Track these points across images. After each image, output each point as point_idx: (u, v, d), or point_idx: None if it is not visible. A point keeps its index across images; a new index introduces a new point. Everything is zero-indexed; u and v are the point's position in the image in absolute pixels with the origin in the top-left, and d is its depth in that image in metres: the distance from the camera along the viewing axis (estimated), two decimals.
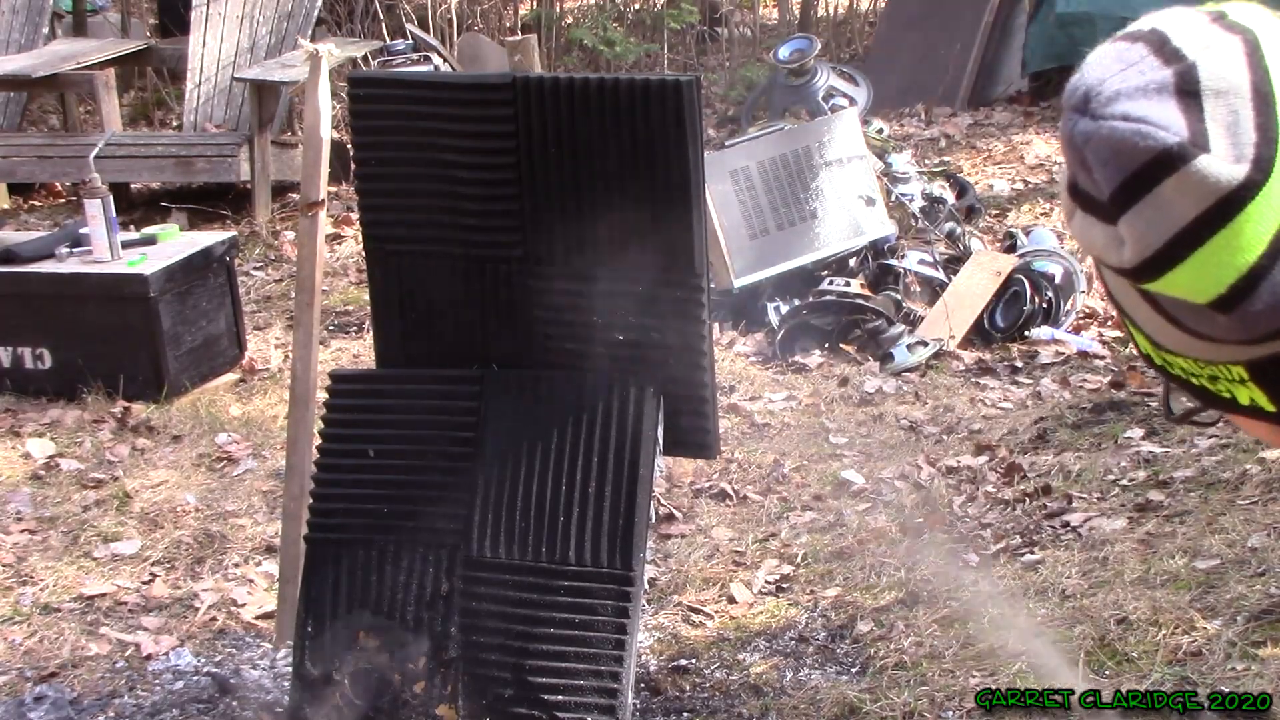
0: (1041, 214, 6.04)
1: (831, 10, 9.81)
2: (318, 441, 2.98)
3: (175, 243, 5.00)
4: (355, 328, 5.45)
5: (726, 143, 5.84)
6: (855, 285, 5.12)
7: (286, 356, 4.94)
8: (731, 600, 3.39)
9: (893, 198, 5.53)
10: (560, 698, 2.68)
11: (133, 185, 7.30)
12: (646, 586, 3.05)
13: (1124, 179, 0.88)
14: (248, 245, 6.40)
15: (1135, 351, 1.07)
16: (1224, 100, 0.88)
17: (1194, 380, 1.00)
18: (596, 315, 2.80)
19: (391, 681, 2.77)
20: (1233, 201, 0.87)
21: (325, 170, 3.08)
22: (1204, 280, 0.90)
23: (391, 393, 2.96)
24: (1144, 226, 0.89)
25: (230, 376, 5.01)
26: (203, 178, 6.94)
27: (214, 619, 3.42)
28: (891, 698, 2.88)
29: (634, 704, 2.82)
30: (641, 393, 2.76)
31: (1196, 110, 0.88)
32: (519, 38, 3.60)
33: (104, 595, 3.54)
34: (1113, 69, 0.91)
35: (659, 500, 3.74)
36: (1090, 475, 3.75)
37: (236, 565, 3.68)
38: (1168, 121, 0.87)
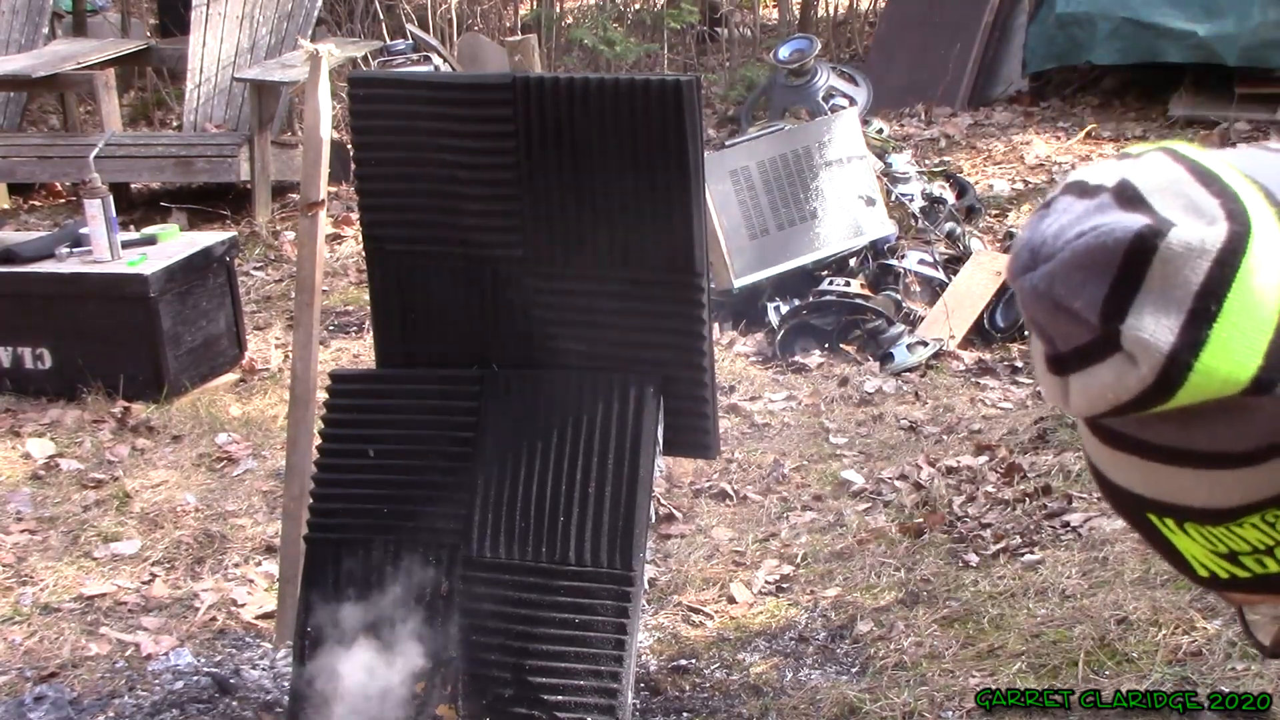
0: None
1: (831, 10, 9.81)
2: (318, 441, 2.98)
3: (175, 243, 5.00)
4: (355, 328, 5.45)
5: (726, 143, 5.84)
6: (855, 285, 5.12)
7: (286, 356, 4.94)
8: (731, 600, 3.39)
9: (893, 198, 5.53)
10: (560, 698, 2.69)
11: (133, 185, 7.30)
12: (646, 586, 3.05)
13: (1108, 288, 0.81)
14: (248, 245, 6.40)
15: (1194, 581, 0.94)
16: (1168, 192, 0.83)
17: (1261, 568, 0.89)
18: (596, 315, 2.80)
19: (391, 681, 2.77)
20: (1228, 258, 0.81)
21: (325, 170, 3.08)
22: (1236, 354, 0.81)
23: (391, 393, 2.96)
24: (1150, 326, 0.81)
25: (230, 376, 5.01)
26: (203, 178, 6.94)
27: (214, 619, 3.42)
28: (891, 698, 2.88)
29: (634, 704, 2.82)
30: (641, 393, 2.76)
31: (1145, 208, 0.82)
32: (519, 38, 3.60)
33: (104, 595, 3.54)
34: (1046, 221, 0.85)
35: (659, 500, 3.74)
36: (1090, 475, 3.74)
37: (236, 565, 3.68)
38: (1120, 218, 0.82)
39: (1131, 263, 0.81)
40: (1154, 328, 0.81)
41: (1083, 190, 0.85)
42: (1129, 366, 0.82)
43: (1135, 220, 0.81)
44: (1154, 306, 0.81)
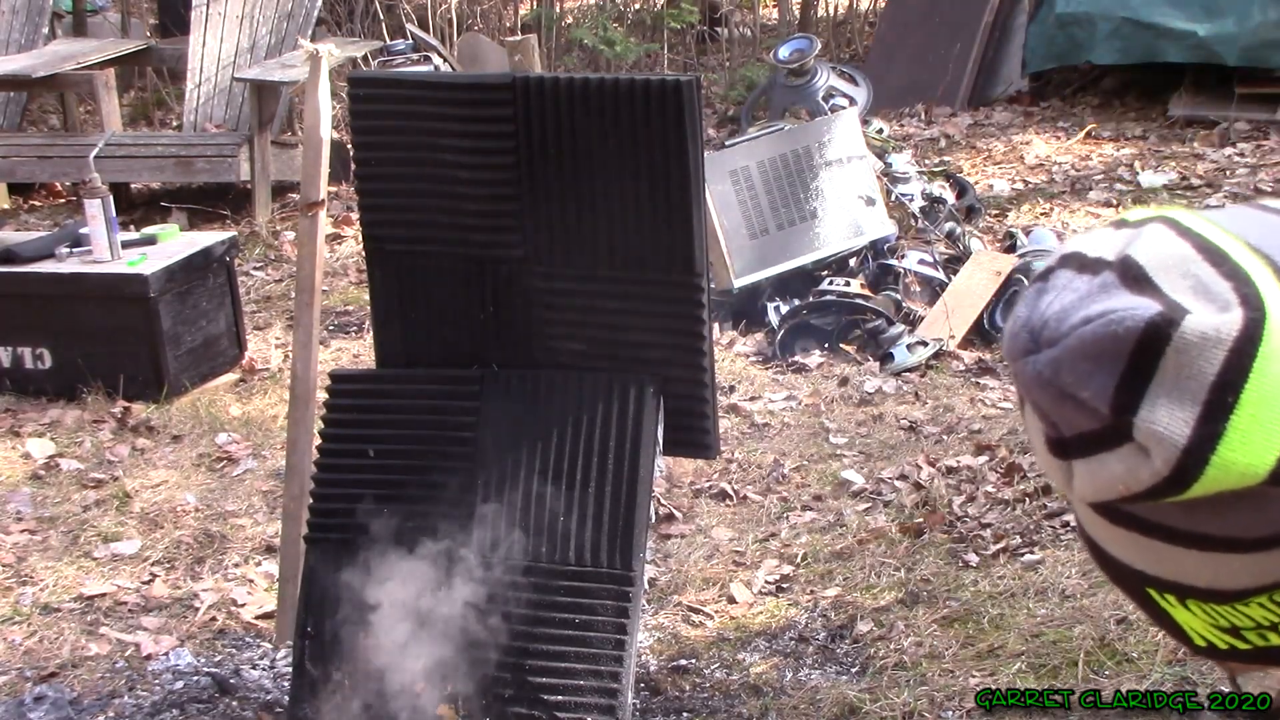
0: (1041, 214, 6.05)
1: (831, 10, 9.81)
2: (318, 441, 2.98)
3: (175, 243, 5.00)
4: (355, 328, 5.45)
5: (726, 143, 5.84)
6: (855, 285, 5.12)
7: (286, 356, 4.94)
8: (731, 600, 3.39)
9: (893, 198, 5.53)
10: (560, 698, 2.69)
11: (133, 185, 7.30)
12: (646, 586, 3.05)
13: (1119, 377, 0.77)
14: (248, 245, 6.40)
15: (1191, 651, 0.92)
16: (1176, 270, 0.79)
17: (1262, 640, 0.87)
18: (596, 315, 2.80)
19: (391, 681, 2.77)
20: (1244, 347, 0.77)
21: (325, 170, 3.08)
22: (1255, 447, 0.77)
23: (391, 393, 2.96)
24: (1165, 418, 0.77)
25: (230, 376, 5.01)
26: (203, 178, 6.94)
27: (214, 619, 3.42)
28: (891, 698, 2.88)
29: (634, 704, 2.82)
30: (641, 393, 2.76)
31: (1154, 289, 0.78)
32: (519, 38, 3.60)
33: (104, 595, 3.54)
34: (1044, 300, 0.81)
35: (659, 500, 3.74)
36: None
37: (236, 565, 3.68)
38: (1132, 304, 0.77)
39: (1144, 353, 0.77)
40: (1168, 421, 0.77)
41: (1082, 264, 0.81)
42: (1141, 458, 0.79)
43: (1146, 307, 0.77)
44: (1168, 398, 0.77)
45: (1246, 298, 0.77)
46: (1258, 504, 0.80)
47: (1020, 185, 6.52)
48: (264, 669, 3.21)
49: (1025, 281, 4.97)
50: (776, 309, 5.16)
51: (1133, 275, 0.79)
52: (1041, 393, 0.81)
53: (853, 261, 5.29)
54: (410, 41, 7.80)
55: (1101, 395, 0.78)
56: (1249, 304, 0.77)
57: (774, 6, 10.19)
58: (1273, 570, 0.83)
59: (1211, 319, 0.77)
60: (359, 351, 5.13)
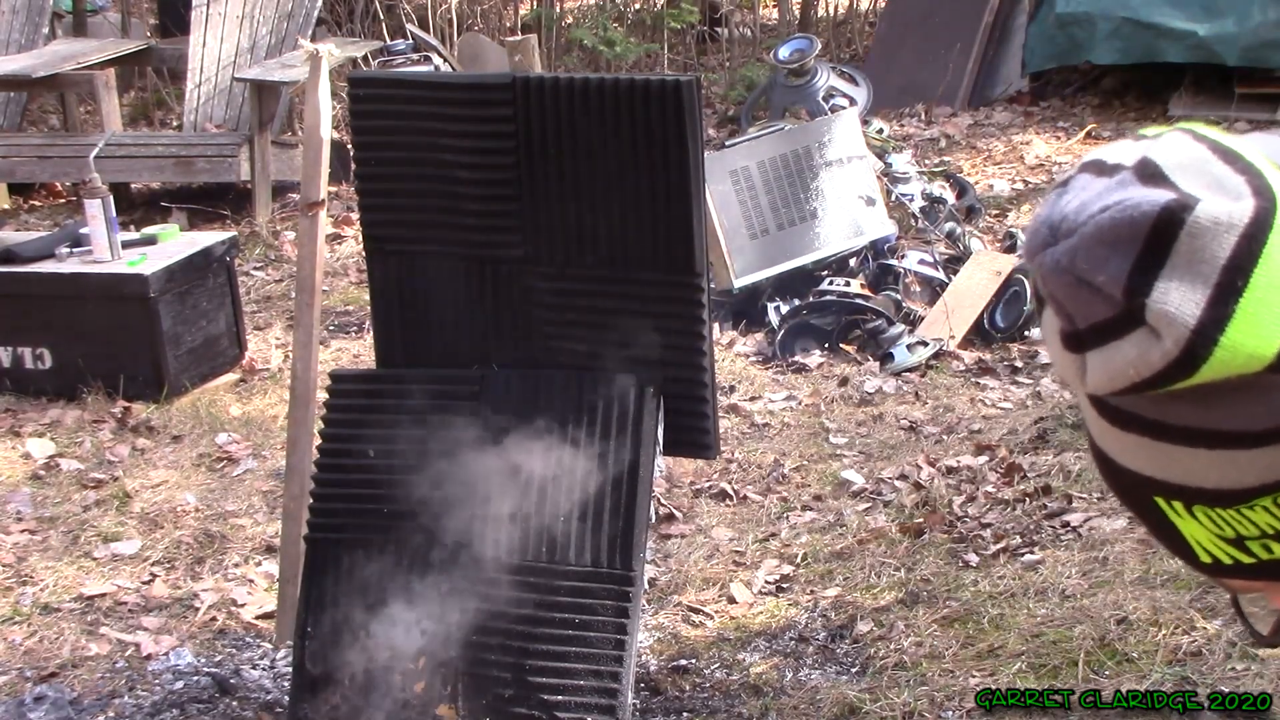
0: None
1: (831, 10, 9.81)
2: (318, 441, 2.98)
3: (175, 243, 5.00)
4: (355, 328, 5.45)
5: (726, 143, 5.84)
6: (855, 285, 5.12)
7: (286, 356, 4.94)
8: (731, 600, 3.39)
9: (893, 198, 5.53)
10: (560, 698, 2.69)
11: (133, 185, 7.30)
12: (646, 586, 3.05)
13: (1133, 260, 0.80)
14: (248, 245, 6.40)
15: (1194, 567, 0.94)
16: (1191, 170, 0.82)
17: (1265, 553, 0.88)
18: (596, 315, 2.80)
19: (391, 681, 2.77)
20: (1255, 232, 0.79)
21: (325, 170, 3.08)
22: (1263, 329, 0.80)
23: (391, 393, 2.96)
24: (1176, 299, 0.80)
25: (230, 376, 5.01)
26: (203, 178, 6.94)
27: (214, 619, 3.42)
28: (891, 698, 2.88)
29: (634, 704, 2.82)
30: (641, 393, 2.76)
31: (1169, 184, 0.81)
32: (519, 38, 3.60)
33: (104, 595, 3.54)
34: (1065, 198, 0.84)
35: (659, 500, 3.74)
36: (1090, 475, 3.74)
37: (236, 565, 3.68)
38: (1146, 193, 0.81)
39: (1158, 237, 0.80)
40: (1180, 302, 0.80)
41: (1101, 168, 0.85)
42: (1153, 341, 0.81)
43: (1161, 195, 0.80)
44: (1180, 281, 0.80)
45: (1259, 189, 0.81)
46: (1262, 394, 0.83)
47: (1020, 185, 6.52)
48: (264, 669, 3.21)
49: (1025, 282, 4.97)
50: (776, 309, 5.16)
51: (1149, 173, 0.82)
52: (1058, 281, 0.83)
53: (853, 261, 5.29)
54: (410, 41, 7.80)
55: (1116, 279, 0.81)
56: (1261, 194, 0.81)
57: (774, 6, 10.19)
58: (1270, 466, 0.85)
59: (1224, 205, 0.80)
60: (359, 351, 5.13)
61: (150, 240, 5.01)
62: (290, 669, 2.93)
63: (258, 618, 3.42)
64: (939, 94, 7.68)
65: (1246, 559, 0.90)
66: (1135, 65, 7.39)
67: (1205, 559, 0.92)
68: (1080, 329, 0.83)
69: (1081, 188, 0.84)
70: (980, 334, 4.98)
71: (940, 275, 5.19)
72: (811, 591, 3.39)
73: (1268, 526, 0.88)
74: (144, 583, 3.61)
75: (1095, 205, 0.82)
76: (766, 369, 4.89)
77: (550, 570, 2.72)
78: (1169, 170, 0.82)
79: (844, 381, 4.70)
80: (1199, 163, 0.83)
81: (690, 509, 3.88)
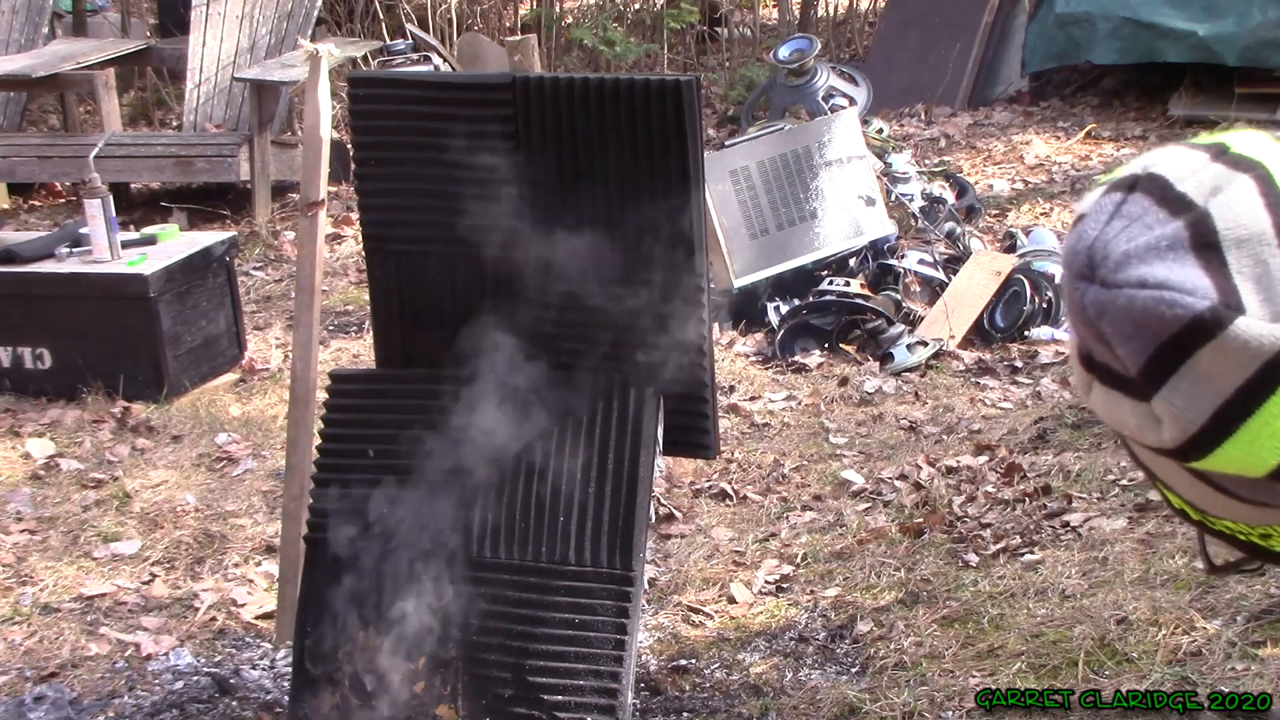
0: (1041, 214, 6.05)
1: (831, 10, 9.81)
2: (318, 441, 2.98)
3: (175, 243, 5.00)
4: (355, 328, 5.45)
5: (726, 143, 5.84)
6: (855, 285, 5.12)
7: (286, 356, 4.94)
8: (731, 600, 3.39)
9: (893, 198, 5.53)
10: (560, 698, 2.68)
11: (133, 185, 7.30)
12: (646, 586, 3.05)
13: (1153, 353, 0.78)
14: (248, 245, 6.40)
15: (1168, 507, 0.95)
16: (1247, 250, 0.78)
17: (1241, 537, 0.91)
18: (596, 315, 2.80)
19: (391, 681, 2.77)
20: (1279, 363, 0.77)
21: (325, 170, 3.07)
22: (1260, 452, 0.79)
23: (391, 393, 2.96)
24: (1183, 404, 0.79)
25: (230, 376, 5.01)
26: (203, 178, 6.94)
27: (214, 619, 3.42)
28: (891, 698, 2.88)
29: (634, 704, 2.81)
30: (641, 393, 2.76)
31: (1219, 265, 0.77)
32: (519, 38, 3.60)
33: (104, 595, 3.54)
34: (1115, 227, 0.81)
35: (659, 500, 3.74)
36: (1090, 475, 3.74)
37: (236, 565, 3.68)
38: (1192, 284, 0.77)
39: (1184, 340, 0.78)
40: (1186, 406, 0.79)
41: (1164, 196, 0.80)
42: (1153, 423, 0.81)
43: (1202, 295, 0.77)
44: (1193, 387, 0.78)
45: None
46: (1256, 483, 0.83)
47: (1020, 185, 6.52)
48: (264, 669, 3.21)
49: (1025, 282, 4.97)
50: (776, 309, 5.16)
51: (1205, 241, 0.78)
52: (1082, 324, 0.82)
53: (853, 261, 5.29)
54: (410, 41, 7.80)
55: (1133, 360, 0.80)
56: None
57: (774, 6, 10.19)
58: (1248, 516, 0.87)
59: (1259, 329, 0.77)
60: (359, 351, 5.13)
61: (150, 240, 5.01)
62: (290, 669, 2.93)
63: (258, 618, 3.42)
64: (939, 94, 7.69)
65: (1211, 524, 0.92)
66: (1135, 65, 7.39)
67: (1177, 505, 0.94)
68: (1094, 361, 0.83)
69: (1136, 217, 0.80)
70: (980, 334, 4.98)
71: (940, 275, 5.19)
72: (811, 591, 3.39)
73: (1232, 528, 0.91)
74: (144, 583, 3.61)
75: (1138, 270, 0.78)
76: (766, 369, 4.89)
77: (550, 570, 2.72)
78: (1226, 246, 0.78)
79: (844, 381, 4.70)
80: (1258, 244, 0.78)
81: (690, 509, 3.88)
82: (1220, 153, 0.82)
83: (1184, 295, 0.77)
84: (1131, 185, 0.82)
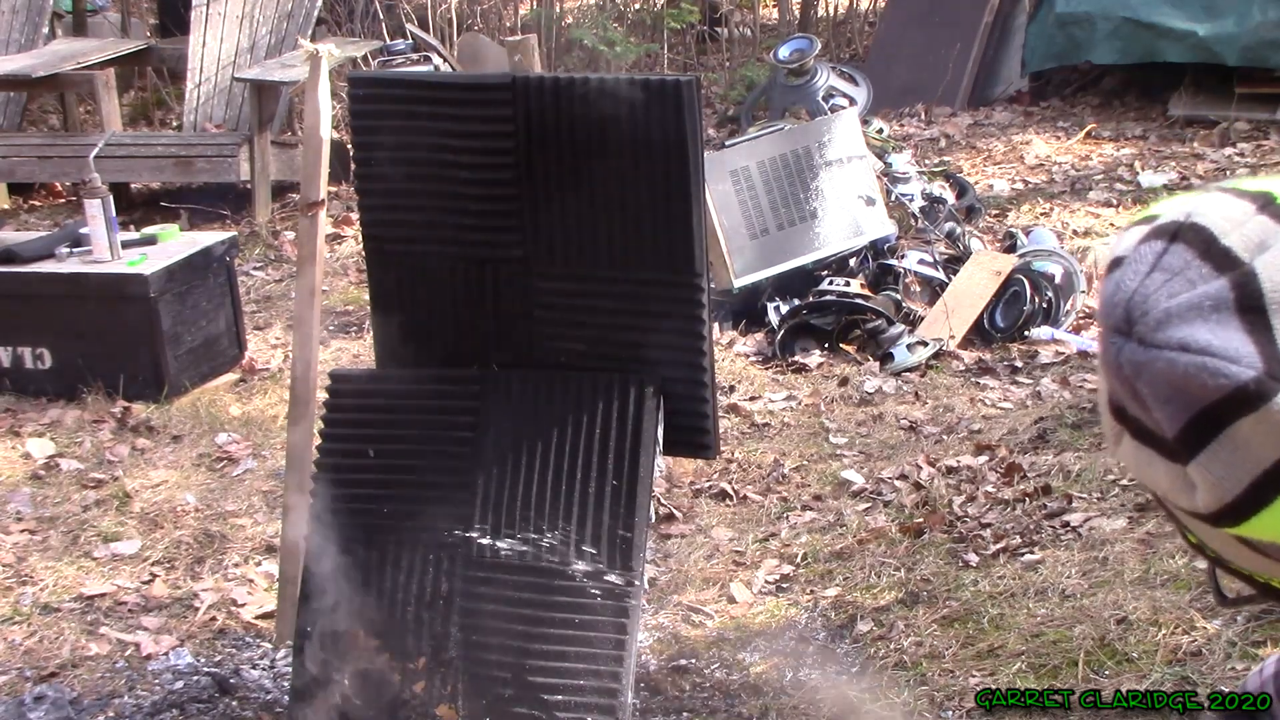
0: (1041, 214, 6.04)
1: (831, 10, 9.81)
2: (318, 441, 2.98)
3: (175, 243, 5.00)
4: (355, 328, 5.45)
5: (726, 143, 5.84)
6: (855, 285, 5.12)
7: (286, 356, 4.94)
8: (731, 600, 3.39)
9: (893, 198, 5.53)
10: (560, 698, 2.68)
11: (133, 185, 7.30)
12: (646, 586, 3.05)
13: (1191, 419, 0.76)
14: (248, 245, 6.40)
15: (1184, 542, 0.92)
16: None
17: (1260, 579, 0.88)
18: (596, 315, 2.80)
19: (391, 681, 2.77)
20: None
21: (325, 170, 3.08)
22: None
23: (391, 393, 2.96)
24: (1221, 471, 0.76)
25: (230, 376, 5.01)
26: (203, 178, 6.94)
27: (214, 619, 3.42)
28: (891, 698, 2.88)
29: (634, 704, 2.81)
30: (641, 393, 2.76)
31: (1264, 330, 0.74)
32: (519, 38, 3.60)
33: (104, 595, 3.54)
34: (1155, 280, 0.77)
35: (659, 500, 3.74)
36: (1090, 475, 3.74)
37: (236, 565, 3.68)
38: (1235, 351, 0.74)
39: (1224, 409, 0.75)
40: (1223, 475, 0.77)
41: (1208, 250, 0.77)
42: (1187, 486, 0.79)
43: (1246, 365, 0.74)
44: (1231, 455, 0.76)
45: None
46: None
47: (1020, 185, 6.52)
48: (264, 669, 3.21)
49: (1025, 282, 4.97)
50: (776, 309, 5.16)
51: (1250, 304, 0.76)
52: (1114, 377, 0.80)
53: (853, 261, 5.29)
54: (410, 41, 7.80)
55: (1170, 424, 0.77)
56: None
57: (774, 6, 10.19)
58: (1267, 570, 0.84)
59: None
60: (359, 351, 5.13)
61: (150, 240, 5.01)
62: (290, 669, 2.93)
63: (258, 618, 3.42)
64: (939, 94, 7.68)
65: (1230, 564, 0.89)
66: (1135, 65, 7.39)
67: (1194, 540, 0.91)
68: (1127, 414, 0.81)
69: (1178, 271, 0.77)
70: (980, 334, 4.98)
71: (940, 275, 5.19)
72: (811, 591, 3.39)
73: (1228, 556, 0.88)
74: (144, 583, 3.61)
75: (1179, 332, 0.75)
76: (766, 369, 4.89)
77: (550, 570, 2.72)
78: (1272, 310, 0.75)
79: (844, 381, 4.70)
80: None
81: (690, 509, 3.88)
82: (1266, 204, 0.79)
83: (1227, 364, 0.75)
84: (1174, 235, 0.79)
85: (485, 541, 2.76)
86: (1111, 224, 5.84)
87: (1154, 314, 0.77)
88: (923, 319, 5.02)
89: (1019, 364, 4.75)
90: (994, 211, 6.09)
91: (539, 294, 2.82)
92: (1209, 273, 0.77)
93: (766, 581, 3.46)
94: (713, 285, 3.22)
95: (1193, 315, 0.76)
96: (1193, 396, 0.76)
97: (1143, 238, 0.80)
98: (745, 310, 5.27)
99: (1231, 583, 0.94)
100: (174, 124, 8.17)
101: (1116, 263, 0.81)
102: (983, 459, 3.95)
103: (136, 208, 7.02)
